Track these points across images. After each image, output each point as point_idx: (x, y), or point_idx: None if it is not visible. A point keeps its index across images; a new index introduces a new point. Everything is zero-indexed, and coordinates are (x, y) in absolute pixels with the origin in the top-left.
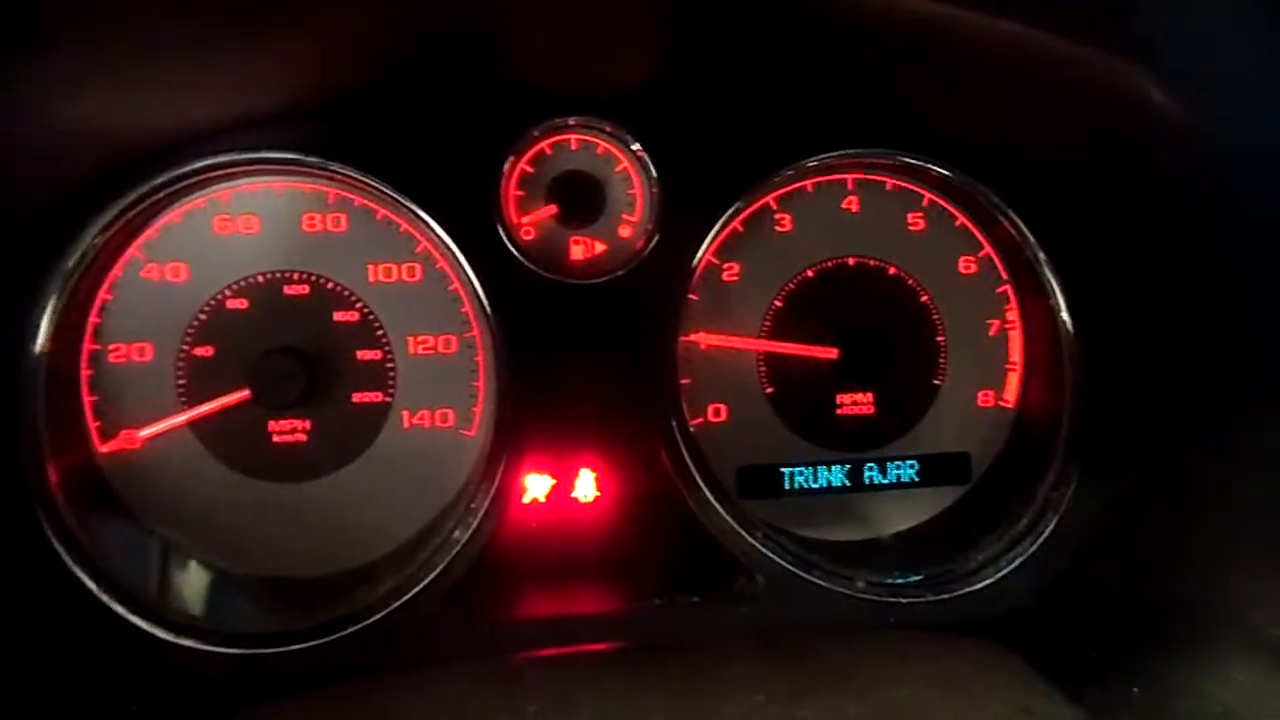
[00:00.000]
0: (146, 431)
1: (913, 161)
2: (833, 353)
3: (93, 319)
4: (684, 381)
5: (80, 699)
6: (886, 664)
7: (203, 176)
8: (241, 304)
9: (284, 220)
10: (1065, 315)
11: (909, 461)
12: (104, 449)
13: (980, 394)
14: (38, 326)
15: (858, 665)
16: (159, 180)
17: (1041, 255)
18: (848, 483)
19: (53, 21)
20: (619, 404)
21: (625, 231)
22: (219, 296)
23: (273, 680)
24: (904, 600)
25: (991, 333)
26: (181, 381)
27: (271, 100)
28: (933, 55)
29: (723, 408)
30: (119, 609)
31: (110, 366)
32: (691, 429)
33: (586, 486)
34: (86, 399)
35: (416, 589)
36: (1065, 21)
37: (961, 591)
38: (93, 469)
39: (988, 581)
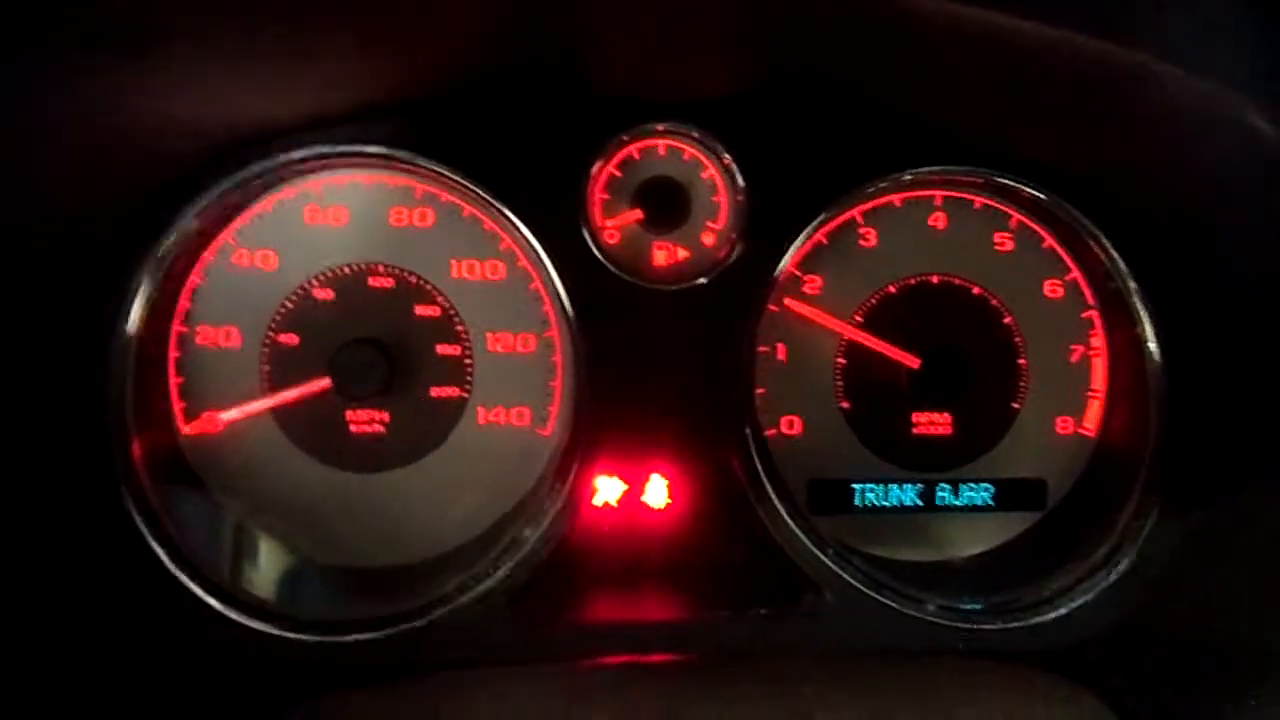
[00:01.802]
0: (228, 415)
1: (1006, 182)
2: (914, 360)
3: (183, 303)
4: (760, 391)
5: (151, 674)
6: (957, 693)
7: (296, 168)
8: (327, 294)
9: (372, 213)
10: (1152, 345)
11: (983, 485)
12: (187, 430)
13: (1059, 420)
14: (130, 308)
15: (928, 693)
16: (253, 170)
17: (1132, 283)
18: (919, 503)
19: (158, 19)
20: (694, 411)
21: (709, 239)
22: (306, 285)
23: (337, 669)
24: (974, 626)
25: (1074, 359)
26: (265, 367)
27: (364, 96)
28: (1028, 76)
29: (797, 420)
30: (195, 589)
31: (197, 349)
32: (765, 440)
33: (658, 492)
34: (173, 380)
35: (485, 586)
36: (1166, 46)
37: (1034, 621)
38: (175, 449)
39: (1061, 611)
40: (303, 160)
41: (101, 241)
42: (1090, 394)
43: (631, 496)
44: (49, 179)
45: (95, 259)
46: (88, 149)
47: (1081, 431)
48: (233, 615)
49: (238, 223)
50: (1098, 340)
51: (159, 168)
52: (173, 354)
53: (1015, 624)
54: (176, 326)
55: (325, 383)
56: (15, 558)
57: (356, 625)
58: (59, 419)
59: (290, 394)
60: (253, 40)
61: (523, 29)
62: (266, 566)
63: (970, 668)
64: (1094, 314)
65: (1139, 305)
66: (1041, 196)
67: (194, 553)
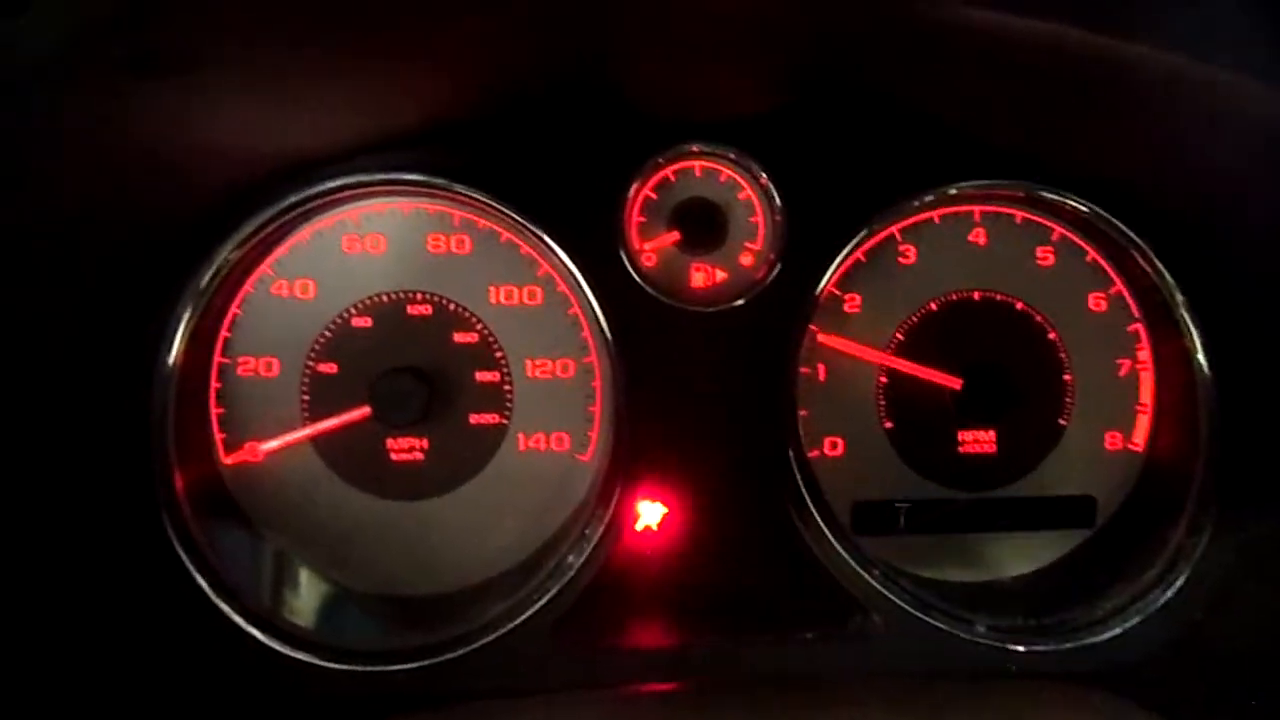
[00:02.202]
0: (269, 445)
1: (1048, 195)
2: (956, 382)
3: (223, 333)
4: (802, 413)
5: (193, 704)
6: (1013, 714)
7: (334, 197)
8: (366, 322)
9: (409, 241)
10: (1201, 357)
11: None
12: (228, 460)
13: (1108, 436)
14: (172, 339)
15: (982, 714)
16: (292, 200)
17: (1178, 295)
18: None
19: (195, 46)
20: (735, 433)
21: (746, 260)
22: (344, 314)
23: (379, 699)
24: (1025, 647)
25: (1121, 373)
26: (305, 397)
27: (401, 123)
28: (1066, 85)
29: (840, 441)
30: (237, 619)
31: (238, 380)
32: (808, 461)
33: (700, 516)
34: (213, 411)
35: (529, 613)
36: (1207, 47)
37: (1087, 641)
38: (216, 479)
39: (1115, 631)
40: (340, 189)
41: (143, 273)
42: (1138, 408)
43: (673, 520)
44: (90, 210)
45: (137, 290)
46: (128, 180)
47: (1130, 447)
48: (274, 645)
49: (276, 253)
50: (1144, 354)
51: (198, 199)
52: (213, 385)
53: (1067, 644)
54: (217, 357)
55: (365, 411)
56: (60, 588)
57: (399, 655)
58: (102, 450)
59: (330, 423)
60: (289, 69)
61: (555, 53)
62: (308, 596)
63: (1022, 689)
64: (1140, 327)
65: (1186, 317)
66: (1084, 209)
67: (235, 583)
